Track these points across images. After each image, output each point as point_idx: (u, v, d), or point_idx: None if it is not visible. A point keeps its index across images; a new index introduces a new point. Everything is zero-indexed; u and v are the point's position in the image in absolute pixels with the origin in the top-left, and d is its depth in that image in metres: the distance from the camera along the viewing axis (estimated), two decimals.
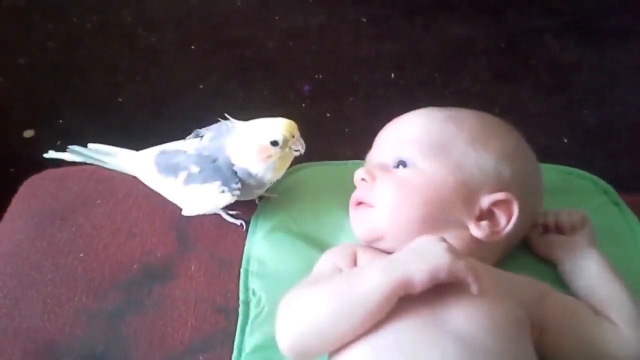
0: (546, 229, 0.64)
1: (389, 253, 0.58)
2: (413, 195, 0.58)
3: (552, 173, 0.72)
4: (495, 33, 1.74)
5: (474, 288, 0.48)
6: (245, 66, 1.63)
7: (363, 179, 0.62)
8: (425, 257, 0.49)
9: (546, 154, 0.66)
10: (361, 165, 0.68)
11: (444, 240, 0.51)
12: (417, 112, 0.66)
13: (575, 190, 0.73)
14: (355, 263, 0.59)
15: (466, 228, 0.58)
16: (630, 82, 1.61)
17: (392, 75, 1.61)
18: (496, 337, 0.49)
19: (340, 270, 0.58)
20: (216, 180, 0.64)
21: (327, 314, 0.50)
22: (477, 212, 0.58)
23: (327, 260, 0.60)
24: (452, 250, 0.49)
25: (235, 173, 0.64)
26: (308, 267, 0.61)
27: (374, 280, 0.49)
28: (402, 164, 0.61)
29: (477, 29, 1.75)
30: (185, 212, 0.67)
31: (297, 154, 0.64)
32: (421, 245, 0.51)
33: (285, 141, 0.62)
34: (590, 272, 0.59)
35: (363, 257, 0.59)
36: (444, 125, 0.62)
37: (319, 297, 0.52)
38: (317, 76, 1.60)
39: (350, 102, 1.54)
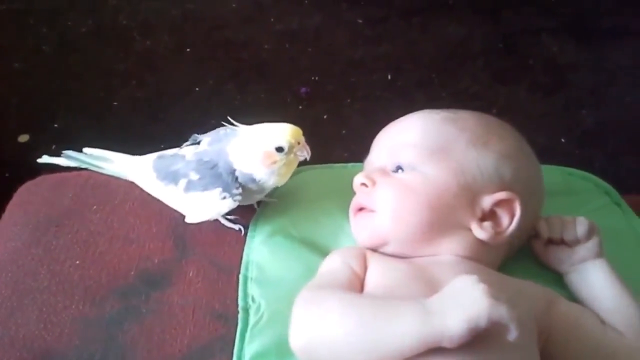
0: (551, 242, 0.62)
1: (396, 257, 0.58)
2: (415, 198, 0.58)
3: (553, 174, 0.72)
4: (493, 33, 1.74)
5: (512, 334, 0.43)
6: (241, 69, 1.62)
7: (363, 184, 0.61)
8: (463, 304, 0.44)
9: (544, 155, 0.66)
10: (362, 168, 0.67)
11: (481, 281, 0.45)
12: (414, 115, 0.65)
13: (577, 191, 0.72)
14: (365, 265, 0.57)
15: (469, 230, 0.57)
16: (628, 81, 1.61)
17: (389, 76, 1.60)
18: (507, 346, 0.48)
19: (353, 269, 0.56)
20: (217, 187, 0.63)
21: (348, 337, 0.47)
22: (479, 214, 0.58)
23: (335, 260, 0.58)
24: (491, 293, 0.44)
25: (237, 178, 0.63)
26: (308, 272, 0.60)
27: (407, 327, 0.45)
28: (400, 169, 0.60)
29: (474, 29, 1.75)
30: (188, 220, 0.66)
31: (302, 159, 0.64)
32: (458, 288, 0.46)
33: (291, 147, 0.62)
34: (595, 284, 0.59)
35: (372, 259, 0.58)
36: (444, 127, 0.61)
37: (340, 315, 0.48)
38: (313, 78, 1.59)
39: (347, 103, 1.54)
